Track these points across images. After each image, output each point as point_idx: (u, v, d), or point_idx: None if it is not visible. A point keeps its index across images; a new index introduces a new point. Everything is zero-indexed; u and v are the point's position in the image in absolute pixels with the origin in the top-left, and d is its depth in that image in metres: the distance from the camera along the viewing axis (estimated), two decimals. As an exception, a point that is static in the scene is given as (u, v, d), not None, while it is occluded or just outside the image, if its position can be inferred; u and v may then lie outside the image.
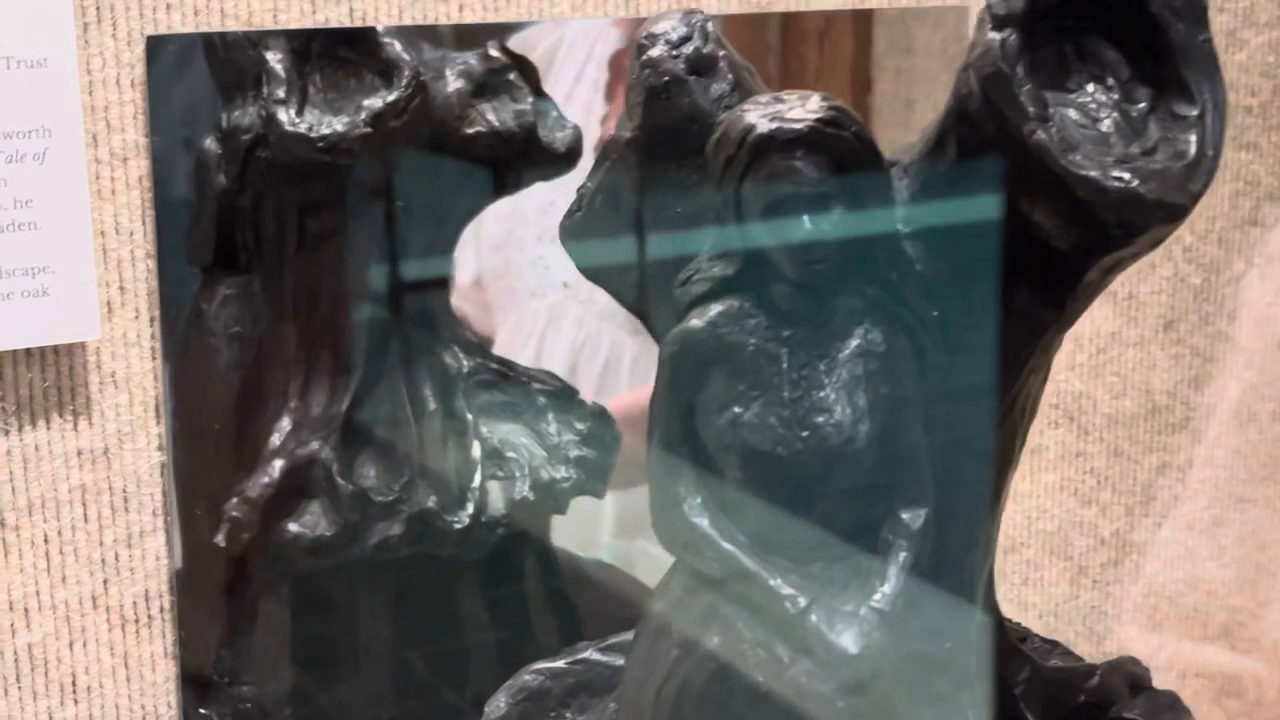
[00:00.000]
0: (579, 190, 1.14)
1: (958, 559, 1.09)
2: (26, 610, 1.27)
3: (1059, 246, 1.01)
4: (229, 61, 1.55)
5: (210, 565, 1.59)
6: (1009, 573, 1.68)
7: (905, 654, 1.05)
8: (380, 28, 1.49)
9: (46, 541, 1.27)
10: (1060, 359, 1.54)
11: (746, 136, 0.99)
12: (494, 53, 1.65)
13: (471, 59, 1.64)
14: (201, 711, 1.61)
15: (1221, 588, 1.78)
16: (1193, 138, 1.00)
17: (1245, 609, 1.79)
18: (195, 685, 1.61)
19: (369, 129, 1.51)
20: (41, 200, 1.20)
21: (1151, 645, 1.78)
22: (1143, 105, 1.01)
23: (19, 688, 1.28)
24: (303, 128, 1.50)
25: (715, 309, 1.03)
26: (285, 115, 1.50)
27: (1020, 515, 1.68)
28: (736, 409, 1.02)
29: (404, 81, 1.53)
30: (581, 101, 1.90)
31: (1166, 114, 1.01)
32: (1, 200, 1.18)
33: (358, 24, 1.30)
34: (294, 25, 1.28)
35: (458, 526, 1.59)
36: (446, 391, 1.66)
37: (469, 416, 1.65)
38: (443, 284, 1.67)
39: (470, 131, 1.62)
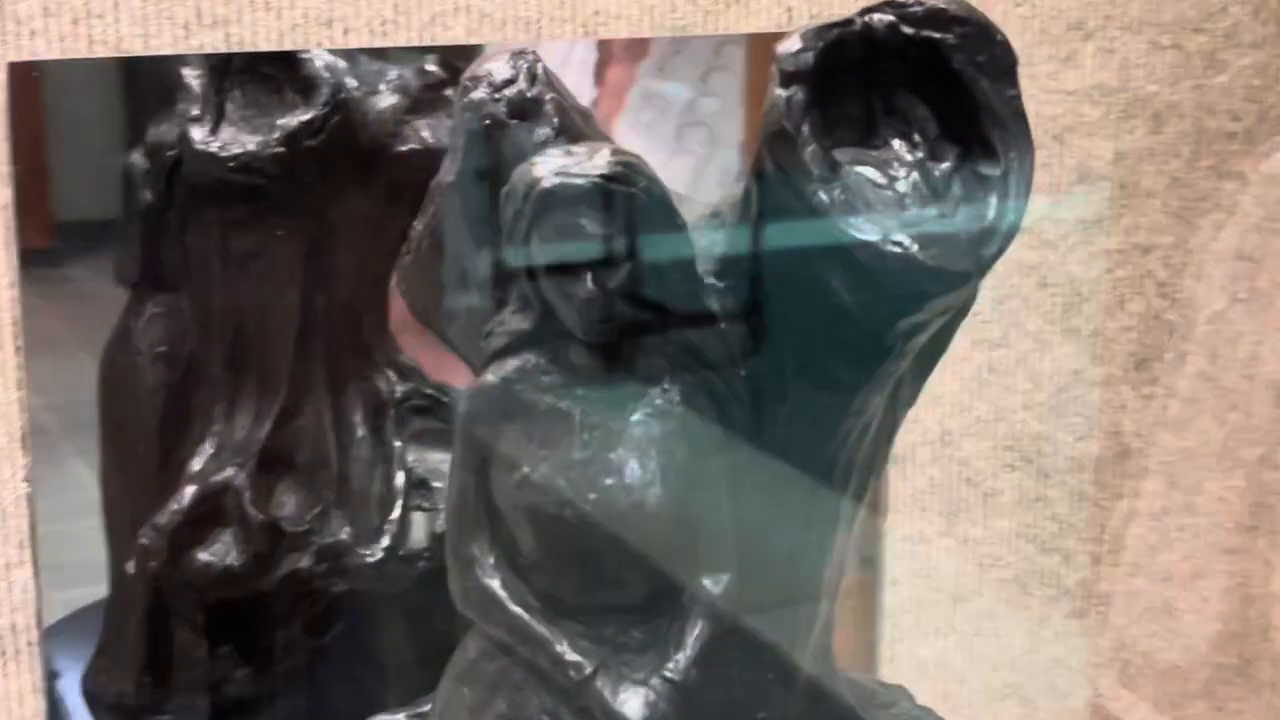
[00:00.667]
0: (410, 233, 1.18)
1: (777, 622, 1.11)
2: (-111, 642, 1.34)
3: (853, 311, 1.02)
4: (153, 75, 1.60)
5: (132, 592, 1.65)
6: (958, 623, 1.69)
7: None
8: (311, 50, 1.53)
9: (-91, 573, 1.33)
10: (1014, 399, 1.55)
11: (531, 190, 1.01)
12: (430, 67, 1.69)
13: (407, 73, 1.68)
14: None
15: (1203, 643, 1.77)
16: (993, 199, 1.01)
17: (1231, 666, 1.78)
18: (118, 713, 1.67)
19: (282, 148, 1.55)
20: (-103, 230, 1.26)
21: (1124, 702, 1.77)
22: (947, 164, 1.02)
23: (-118, 719, 1.34)
24: (214, 146, 1.55)
25: (511, 364, 1.06)
26: (198, 133, 1.55)
27: (971, 563, 1.69)
28: (525, 468, 1.05)
29: (321, 100, 1.57)
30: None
31: (970, 174, 1.02)
32: None
33: (234, 49, 1.34)
34: (165, 50, 1.32)
35: (370, 560, 1.63)
36: (376, 418, 1.70)
37: (397, 444, 1.69)
38: (378, 306, 1.70)
39: (403, 149, 1.66)
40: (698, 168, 1.98)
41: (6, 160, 1.30)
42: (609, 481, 1.04)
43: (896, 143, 1.04)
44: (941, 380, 1.55)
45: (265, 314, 1.68)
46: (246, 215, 1.64)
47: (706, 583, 1.07)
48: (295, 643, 1.66)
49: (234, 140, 1.58)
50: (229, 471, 1.63)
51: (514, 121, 1.12)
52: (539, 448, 1.05)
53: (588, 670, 1.05)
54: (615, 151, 1.03)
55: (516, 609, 1.06)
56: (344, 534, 1.64)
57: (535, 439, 1.05)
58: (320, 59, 1.59)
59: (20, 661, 1.37)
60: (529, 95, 1.13)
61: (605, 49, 2.01)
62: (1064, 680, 1.74)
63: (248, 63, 1.61)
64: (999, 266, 1.53)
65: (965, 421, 1.65)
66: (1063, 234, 1.65)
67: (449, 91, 1.70)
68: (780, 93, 1.00)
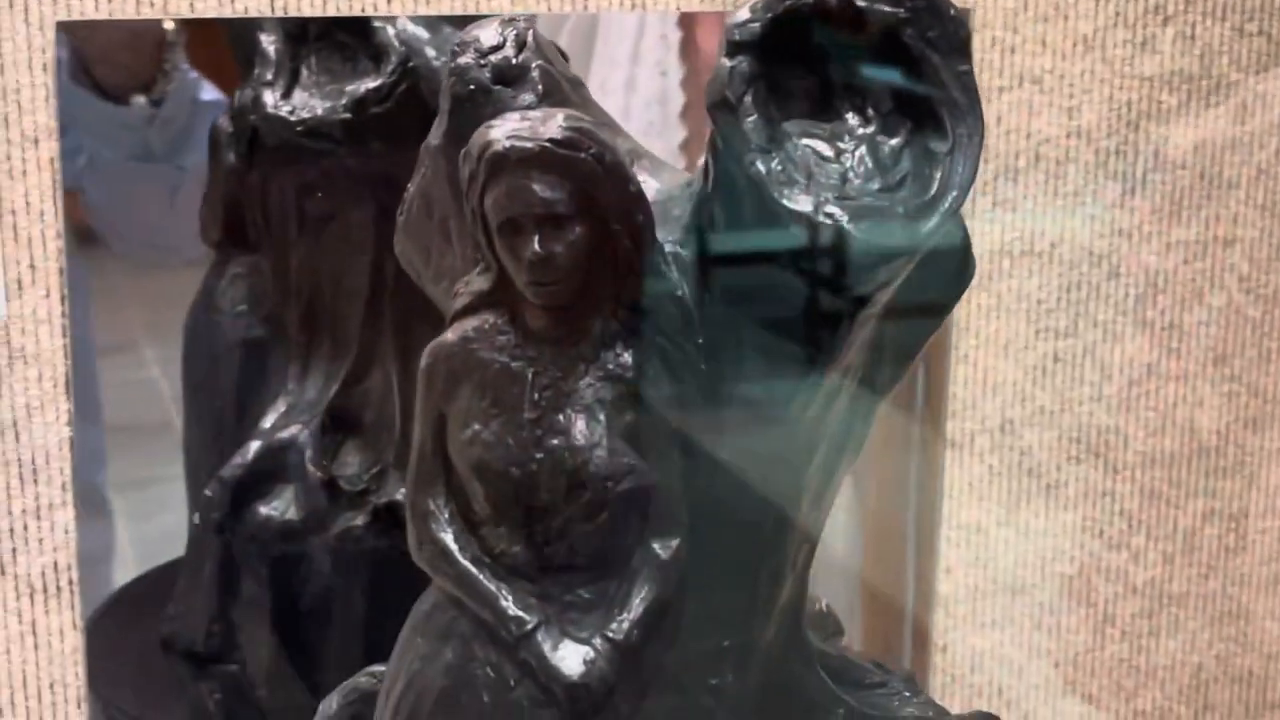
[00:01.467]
0: (405, 194, 1.24)
1: (734, 589, 1.15)
2: (-66, 574, 1.44)
3: (795, 283, 1.06)
4: (240, 40, 1.69)
5: (202, 543, 1.75)
6: (1016, 615, 1.71)
7: (653, 687, 1.12)
8: (374, 15, 1.60)
9: (-45, 507, 1.43)
10: (1081, 390, 1.57)
11: (484, 152, 1.07)
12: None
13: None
14: (201, 687, 1.76)
15: (1283, 651, 1.77)
16: (938, 175, 1.04)
17: (1314, 677, 1.77)
18: (189, 660, 1.76)
19: (349, 114, 1.63)
20: (-54, 179, 1.36)
21: (1194, 706, 1.78)
22: (898, 139, 1.06)
23: (-74, 647, 1.45)
24: (284, 110, 1.63)
25: (470, 323, 1.12)
26: (270, 97, 1.64)
27: (1031, 554, 1.70)
28: (477, 425, 1.10)
29: (390, 68, 1.64)
30: (647, 91, 1.99)
31: (920, 149, 1.05)
32: (-94, 178, 1.34)
33: (279, 12, 1.42)
34: (210, 14, 1.40)
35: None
36: (443, 383, 1.76)
37: (462, 410, 1.75)
38: (448, 274, 1.77)
39: (477, 119, 1.72)
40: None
41: (55, 116, 1.39)
42: (555, 441, 1.09)
43: (851, 117, 1.08)
44: (1001, 367, 1.58)
45: (339, 277, 1.76)
46: (319, 179, 1.72)
47: (655, 546, 1.12)
48: (351, 600, 1.73)
49: (304, 105, 1.66)
50: (294, 429, 1.71)
51: (497, 87, 1.18)
52: (490, 406, 1.10)
53: (529, 625, 1.10)
54: (569, 117, 1.08)
55: (465, 563, 1.12)
56: (399, 495, 1.71)
57: (488, 397, 1.10)
58: (395, 27, 1.66)
59: (61, 598, 1.47)
60: (515, 62, 1.18)
61: (689, 23, 2.04)
62: (1130, 681, 1.74)
63: (324, 30, 1.69)
64: (1064, 253, 1.56)
65: (1027, 411, 1.66)
66: (1136, 223, 1.66)
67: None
68: (725, 62, 1.04)
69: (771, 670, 1.19)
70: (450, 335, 1.11)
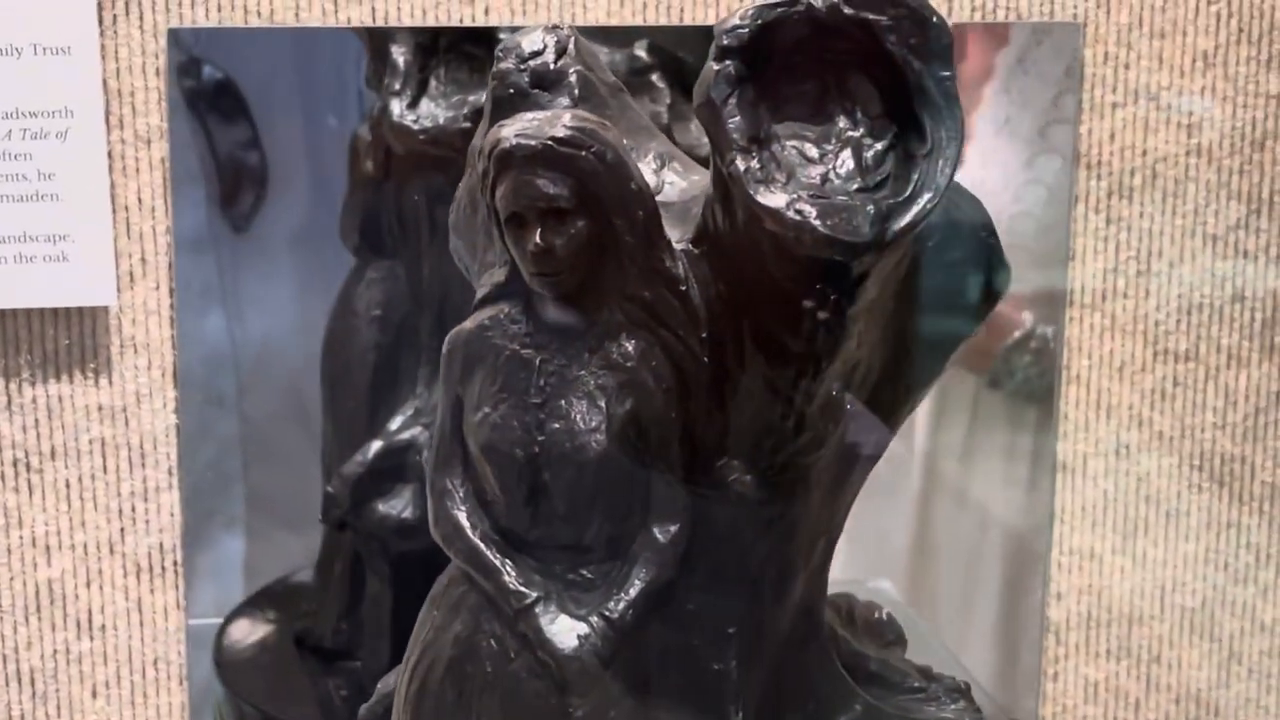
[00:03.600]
0: (456, 192, 1.41)
1: (735, 582, 1.29)
2: (48, 548, 1.65)
3: (780, 280, 1.20)
4: (376, 52, 1.89)
5: (335, 541, 1.94)
6: (1133, 647, 1.80)
7: (649, 667, 1.27)
8: (500, 26, 1.78)
9: (68, 487, 1.64)
10: (1203, 417, 1.67)
11: (493, 150, 1.23)
12: (639, 52, 1.92)
13: (618, 57, 1.91)
14: (329, 682, 1.95)
15: None
16: (914, 176, 1.17)
17: None
18: (318, 656, 1.96)
19: (469, 124, 1.81)
20: (62, 175, 1.57)
21: (1329, 754, 1.84)
22: (884, 143, 1.19)
23: (39, 618, 1.66)
24: (408, 119, 1.82)
25: (487, 312, 1.28)
26: (397, 106, 1.82)
27: (1150, 584, 1.80)
28: (487, 409, 1.26)
29: (513, 78, 1.81)
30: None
31: (903, 152, 1.19)
32: (26, 172, 1.56)
33: (379, 24, 1.61)
34: (314, 24, 1.59)
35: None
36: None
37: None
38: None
39: (602, 129, 1.89)
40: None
41: (167, 117, 1.59)
42: (556, 426, 1.24)
43: (841, 120, 1.21)
44: (1115, 390, 1.68)
45: (468, 286, 1.93)
46: (447, 187, 1.89)
47: (655, 530, 1.26)
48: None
49: (429, 114, 1.84)
50: (415, 430, 1.89)
51: (535, 91, 1.33)
52: (500, 390, 1.25)
53: (528, 600, 1.25)
54: (576, 117, 1.23)
55: (475, 539, 1.27)
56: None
57: (498, 382, 1.25)
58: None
59: (166, 578, 1.66)
60: (553, 67, 1.34)
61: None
62: (1258, 722, 1.82)
63: (453, 41, 1.87)
64: (1184, 274, 1.66)
65: (1144, 435, 1.76)
66: (1262, 245, 1.74)
67: (654, 76, 1.92)
68: (712, 65, 1.19)
69: (783, 661, 1.31)
70: (469, 323, 1.27)
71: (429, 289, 1.92)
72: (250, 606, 2.08)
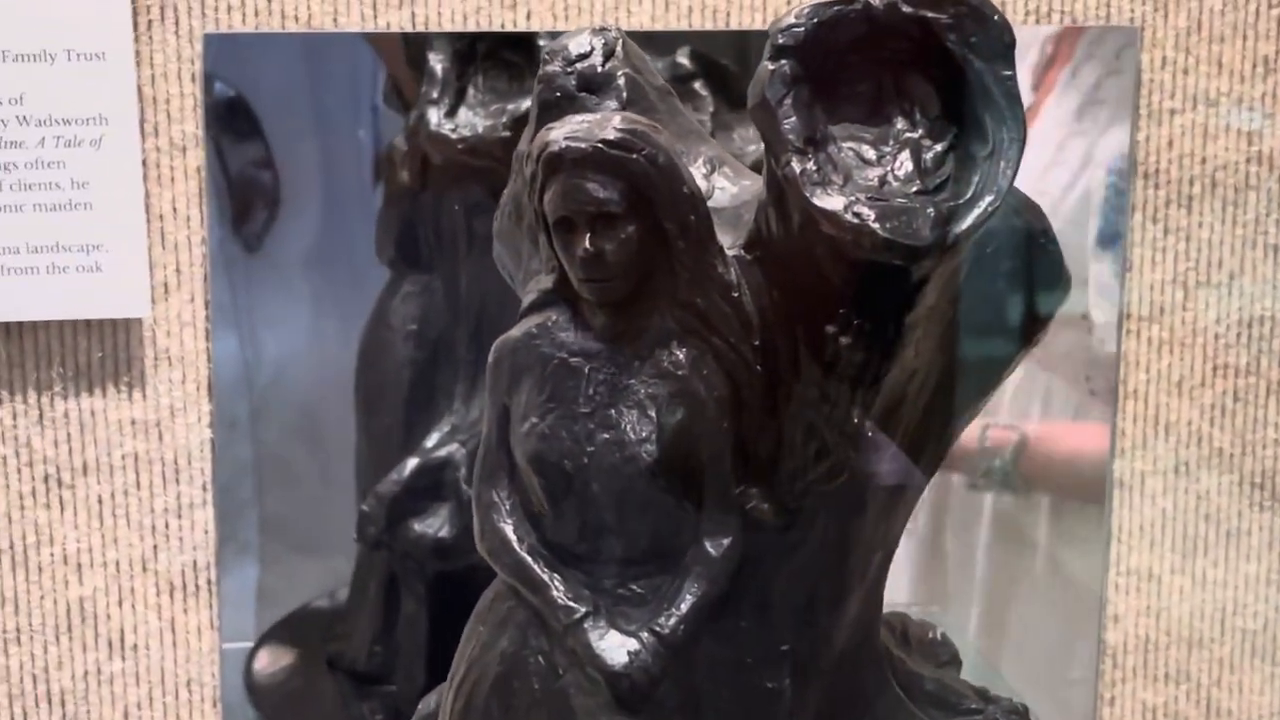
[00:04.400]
0: (500, 198, 1.42)
1: (789, 597, 1.29)
2: (80, 565, 1.65)
3: (838, 285, 1.21)
4: (414, 60, 1.90)
5: (365, 561, 1.95)
6: (1193, 671, 1.80)
7: (702, 683, 1.27)
8: (541, 32, 1.79)
9: (100, 503, 1.65)
10: (1265, 433, 1.67)
11: (542, 153, 1.24)
12: (681, 59, 1.92)
13: (659, 64, 1.92)
14: (363, 706, 1.96)
15: None
16: (975, 178, 1.18)
17: None
18: (354, 679, 1.96)
19: (508, 133, 1.82)
20: (97, 183, 1.58)
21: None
22: (943, 144, 1.20)
23: (69, 637, 1.66)
24: (446, 128, 1.83)
25: (534, 320, 1.28)
26: (434, 115, 1.83)
27: (1210, 606, 1.79)
28: (534, 419, 1.26)
29: (555, 87, 1.82)
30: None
31: (964, 153, 1.19)
32: (59, 180, 1.57)
33: (418, 29, 1.62)
34: (352, 28, 1.60)
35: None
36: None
37: (625, 432, 1.92)
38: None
39: (645, 137, 1.90)
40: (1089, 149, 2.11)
41: (202, 125, 1.60)
42: (605, 436, 1.24)
43: (900, 121, 1.21)
44: (1174, 405, 1.68)
45: (505, 298, 1.93)
46: (485, 198, 1.90)
47: (706, 544, 1.26)
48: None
49: (467, 124, 1.85)
50: (452, 447, 1.89)
51: (582, 94, 1.34)
52: (548, 400, 1.26)
53: (577, 615, 1.25)
54: (626, 119, 1.23)
55: (522, 553, 1.27)
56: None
57: (546, 391, 1.26)
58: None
59: (199, 598, 1.67)
60: (600, 70, 1.34)
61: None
62: (1323, 749, 1.81)
63: (491, 49, 1.88)
64: (1245, 285, 1.66)
65: (1203, 452, 1.76)
66: (1327, 255, 1.74)
67: (697, 84, 1.93)
68: (767, 65, 1.19)
69: (838, 680, 1.31)
70: (515, 331, 1.27)
71: (466, 303, 1.93)
72: (281, 629, 2.08)
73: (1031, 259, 1.31)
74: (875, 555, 1.31)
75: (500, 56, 1.86)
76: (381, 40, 1.78)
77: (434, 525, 1.85)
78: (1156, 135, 1.63)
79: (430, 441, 1.90)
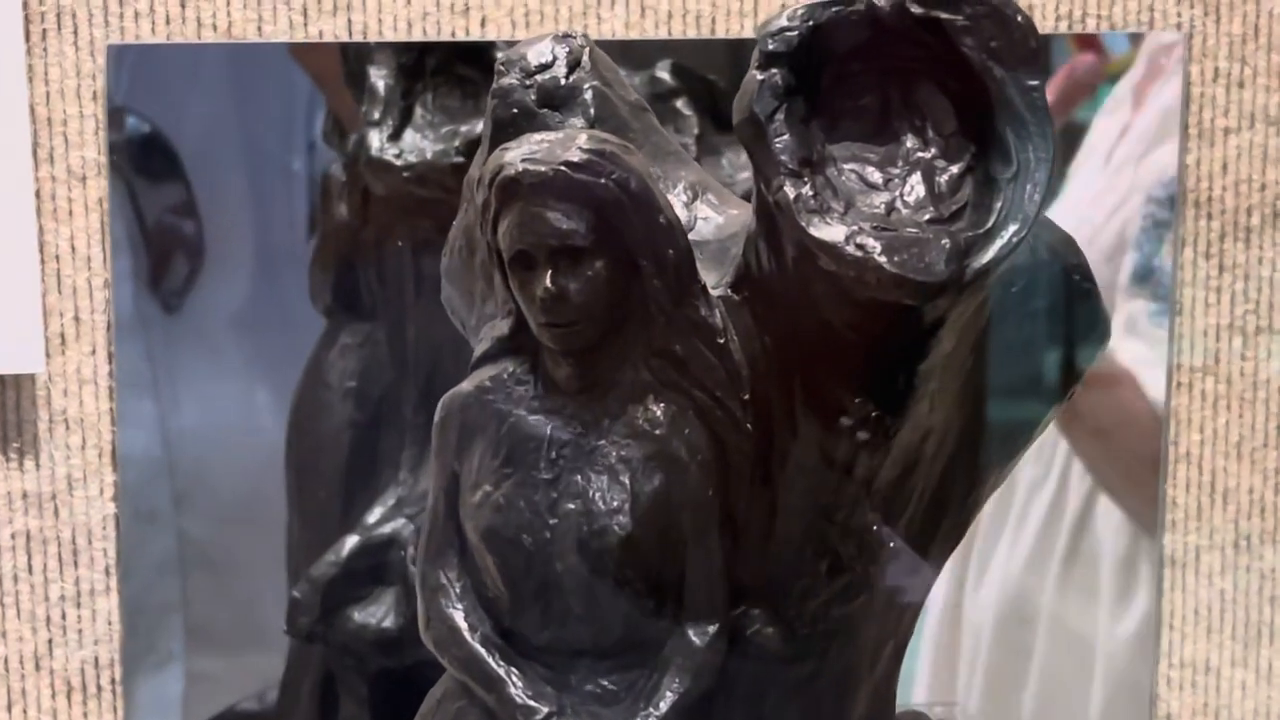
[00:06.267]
0: (450, 233, 1.40)
1: (784, 700, 1.28)
2: (-38, 662, 1.64)
3: (839, 328, 1.19)
4: (354, 76, 1.89)
5: (302, 656, 1.92)
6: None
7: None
8: (498, 42, 1.78)
9: (-14, 589, 1.63)
10: None
11: (496, 177, 1.22)
12: (661, 74, 1.91)
13: (635, 80, 1.91)
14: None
15: None
16: (998, 204, 1.16)
17: None
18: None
19: (462, 158, 1.80)
20: (-17, 218, 1.57)
21: None
22: (960, 165, 1.18)
23: (-50, 747, 1.64)
24: (390, 154, 1.82)
25: (488, 372, 1.27)
26: (376, 139, 1.82)
27: (1276, 701, 1.78)
28: (488, 487, 1.25)
29: (514, 106, 1.81)
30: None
31: (983, 175, 1.18)
32: (-61, 215, 1.56)
33: (357, 39, 1.60)
34: (280, 39, 1.59)
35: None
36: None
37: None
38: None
39: (620, 162, 1.89)
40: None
41: (104, 150, 1.58)
42: (570, 506, 1.23)
43: (909, 139, 1.20)
44: (1233, 470, 1.67)
45: (460, 350, 1.91)
46: (435, 233, 1.88)
47: (690, 633, 1.24)
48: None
49: (413, 148, 1.84)
50: (398, 523, 1.88)
51: (544, 110, 1.33)
52: (503, 465, 1.24)
53: (539, 716, 1.23)
54: (593, 139, 1.22)
55: (474, 644, 1.26)
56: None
57: (501, 455, 1.24)
58: (521, 59, 1.82)
59: (102, 700, 1.65)
60: (564, 83, 1.33)
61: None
62: None
63: (441, 63, 1.87)
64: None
65: (1268, 524, 1.74)
66: (1405, 297, 1.73)
67: (679, 102, 1.92)
68: (755, 75, 1.18)
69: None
70: (466, 385, 1.25)
71: (414, 356, 1.91)
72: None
73: (1066, 301, 1.29)
74: (886, 645, 1.29)
75: (452, 71, 1.85)
76: (320, 64, 1.77)
77: (377, 614, 1.83)
78: (1208, 158, 1.62)
79: (372, 517, 1.89)
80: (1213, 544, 1.69)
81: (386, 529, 1.87)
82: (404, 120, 1.84)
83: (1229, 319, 1.66)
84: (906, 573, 1.28)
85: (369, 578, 1.85)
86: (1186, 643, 1.70)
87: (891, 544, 1.27)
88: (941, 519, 1.30)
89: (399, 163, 1.80)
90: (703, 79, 1.91)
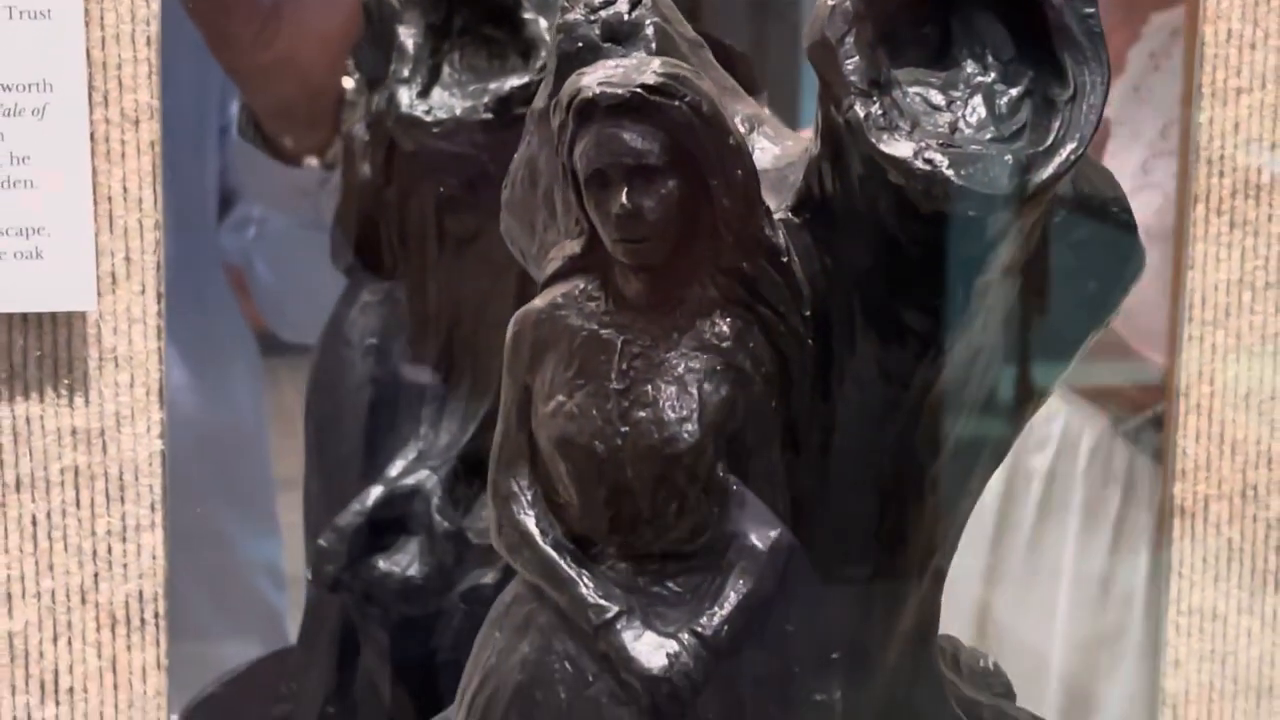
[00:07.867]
0: (511, 165, 1.49)
1: (839, 602, 1.37)
2: (9, 596, 1.71)
3: (904, 243, 1.29)
4: (379, 37, 1.97)
5: (323, 606, 2.00)
6: (1262, 722, 1.87)
7: (744, 694, 1.34)
8: (525, 2, 1.87)
9: (34, 524, 1.71)
10: None
11: (573, 100, 1.31)
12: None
13: (657, 41, 1.99)
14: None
15: None
16: (1055, 124, 1.26)
17: None
18: (303, 746, 2.01)
19: (490, 114, 1.89)
20: (39, 158, 1.65)
21: None
22: (1019, 88, 1.28)
23: (-3, 678, 1.72)
24: (419, 110, 1.90)
25: (560, 289, 1.35)
26: (405, 96, 1.91)
27: (1281, 649, 1.86)
28: (561, 398, 1.33)
29: (539, 64, 1.90)
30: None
31: (1041, 98, 1.28)
32: (-3, 154, 1.64)
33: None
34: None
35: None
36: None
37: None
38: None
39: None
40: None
41: (159, 95, 1.67)
42: (642, 414, 1.31)
43: (970, 65, 1.30)
44: (1242, 421, 1.76)
45: (482, 306, 2.00)
46: (461, 190, 1.97)
47: (752, 536, 1.33)
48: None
49: (442, 104, 1.92)
50: (422, 474, 1.95)
51: (607, 45, 1.42)
52: (576, 376, 1.33)
53: (609, 614, 1.32)
54: (666, 64, 1.30)
55: (546, 548, 1.34)
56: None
57: (574, 367, 1.33)
58: (543, 20, 1.92)
59: (145, 633, 1.72)
60: (627, 18, 1.42)
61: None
62: None
63: (469, 22, 1.95)
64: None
65: (1276, 474, 1.83)
66: (1407, 255, 1.82)
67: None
68: (827, 1, 1.28)
69: (893, 696, 1.39)
70: (538, 302, 1.34)
71: (436, 314, 1.98)
72: (225, 687, 2.13)
73: (1106, 232, 1.38)
74: (931, 560, 1.38)
75: (479, 31, 1.93)
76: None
77: (402, 562, 1.91)
78: (1221, 117, 1.72)
79: (395, 470, 1.95)
80: (1221, 493, 1.77)
81: (411, 480, 1.93)
82: (432, 78, 1.92)
83: (1239, 274, 1.74)
84: (951, 483, 1.37)
85: (394, 527, 1.92)
86: (1194, 591, 1.78)
87: (936, 457, 1.35)
88: (984, 442, 1.38)
89: (429, 119, 1.88)
90: (720, 43, 2.00)
